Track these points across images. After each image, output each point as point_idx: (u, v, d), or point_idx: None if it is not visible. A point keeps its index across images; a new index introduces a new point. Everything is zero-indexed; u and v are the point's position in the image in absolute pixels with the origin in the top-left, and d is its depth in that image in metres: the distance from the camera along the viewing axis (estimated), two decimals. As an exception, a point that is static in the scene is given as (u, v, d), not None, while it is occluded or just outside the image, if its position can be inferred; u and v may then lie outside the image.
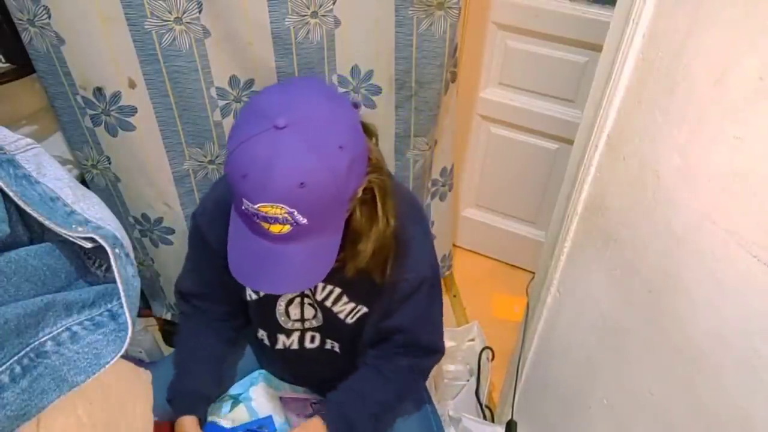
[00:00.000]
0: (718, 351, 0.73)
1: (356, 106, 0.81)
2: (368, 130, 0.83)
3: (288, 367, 1.14)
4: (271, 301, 0.99)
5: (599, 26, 1.50)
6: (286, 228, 0.72)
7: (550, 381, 1.25)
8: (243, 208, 0.72)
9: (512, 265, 2.17)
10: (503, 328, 1.77)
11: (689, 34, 0.72)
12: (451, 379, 1.63)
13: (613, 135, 0.92)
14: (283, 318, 1.02)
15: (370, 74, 1.21)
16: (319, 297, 0.97)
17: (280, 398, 1.12)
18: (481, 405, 1.58)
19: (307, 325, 1.03)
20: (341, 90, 1.23)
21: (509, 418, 1.37)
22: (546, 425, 1.30)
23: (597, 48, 1.03)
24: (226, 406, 1.10)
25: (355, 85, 1.22)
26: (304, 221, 0.72)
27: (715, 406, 0.75)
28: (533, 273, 1.29)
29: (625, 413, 0.97)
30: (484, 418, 1.57)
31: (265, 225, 0.72)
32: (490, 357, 1.67)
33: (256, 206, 0.70)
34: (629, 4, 0.82)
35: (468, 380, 1.63)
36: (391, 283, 0.92)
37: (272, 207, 0.70)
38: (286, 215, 0.71)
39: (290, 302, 1.00)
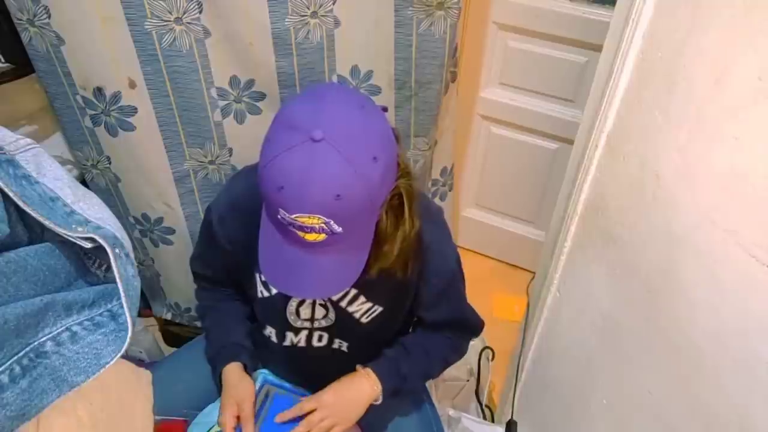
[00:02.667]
0: (716, 350, 0.73)
1: (385, 110, 0.82)
2: (394, 131, 0.84)
3: (293, 366, 1.14)
4: (282, 299, 1.00)
5: (599, 26, 1.50)
6: (321, 236, 0.73)
7: (550, 381, 1.25)
8: (279, 217, 0.73)
9: (512, 265, 2.17)
10: (503, 328, 1.77)
11: (689, 34, 0.72)
12: (451, 379, 1.63)
13: (613, 135, 0.92)
14: (292, 317, 1.02)
15: (369, 74, 1.21)
16: (334, 297, 0.98)
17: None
18: (481, 405, 1.58)
19: (316, 324, 1.03)
20: (341, 90, 1.23)
21: (509, 418, 1.38)
22: (546, 425, 1.30)
23: (597, 48, 1.03)
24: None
25: (354, 86, 1.22)
26: (339, 230, 0.73)
27: (713, 405, 0.75)
28: (533, 273, 1.29)
29: (624, 413, 0.97)
30: (484, 418, 1.57)
31: (301, 233, 0.73)
32: (490, 357, 1.67)
33: (292, 216, 0.71)
34: (629, 4, 0.82)
35: (468, 380, 1.63)
36: (420, 282, 0.96)
37: (309, 217, 0.71)
38: (322, 225, 0.72)
39: (301, 302, 1.00)
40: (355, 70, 1.20)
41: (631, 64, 0.85)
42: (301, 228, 0.72)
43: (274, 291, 0.99)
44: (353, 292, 0.97)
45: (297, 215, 0.71)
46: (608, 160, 0.94)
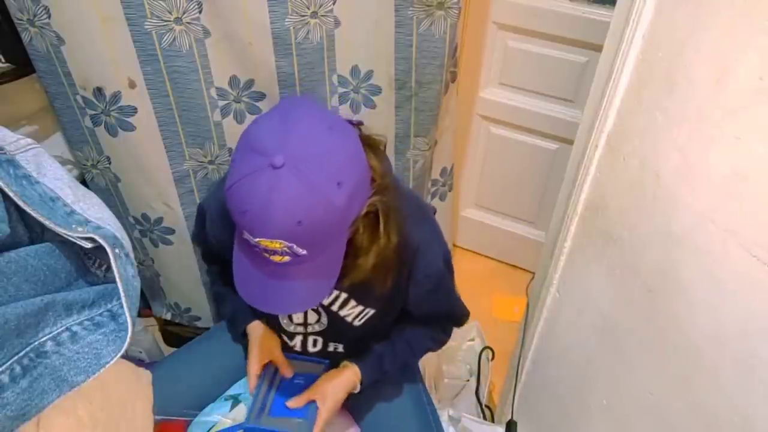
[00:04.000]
0: (716, 351, 0.73)
1: (359, 124, 0.82)
2: (373, 143, 0.82)
3: None
4: None
5: (599, 26, 1.50)
6: (286, 258, 0.74)
7: (550, 381, 1.25)
8: (244, 237, 0.74)
9: (512, 265, 2.17)
10: (503, 328, 1.77)
11: (689, 34, 0.72)
12: (451, 379, 1.63)
13: (613, 135, 0.92)
14: (285, 321, 1.02)
15: (370, 74, 1.21)
16: (325, 302, 0.98)
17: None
18: (481, 405, 1.58)
19: (309, 329, 1.03)
20: (341, 90, 1.23)
21: (509, 418, 1.37)
22: (546, 425, 1.30)
23: (597, 48, 1.03)
24: (226, 405, 1.10)
25: (355, 86, 1.22)
26: (303, 252, 0.73)
27: (713, 405, 0.75)
28: (533, 273, 1.29)
29: (624, 413, 0.97)
30: (484, 418, 1.57)
31: (266, 254, 0.74)
32: (490, 357, 1.67)
33: (256, 240, 0.71)
34: (629, 4, 0.82)
35: (468, 380, 1.63)
36: (409, 282, 0.96)
37: (272, 242, 0.71)
38: (285, 248, 0.72)
39: None
40: (355, 70, 1.20)
41: (631, 64, 0.85)
42: (266, 250, 0.73)
43: None
44: (343, 296, 0.97)
45: (259, 239, 0.71)
46: (608, 160, 0.94)
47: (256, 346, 1.04)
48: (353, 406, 1.13)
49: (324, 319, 1.01)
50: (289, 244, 0.71)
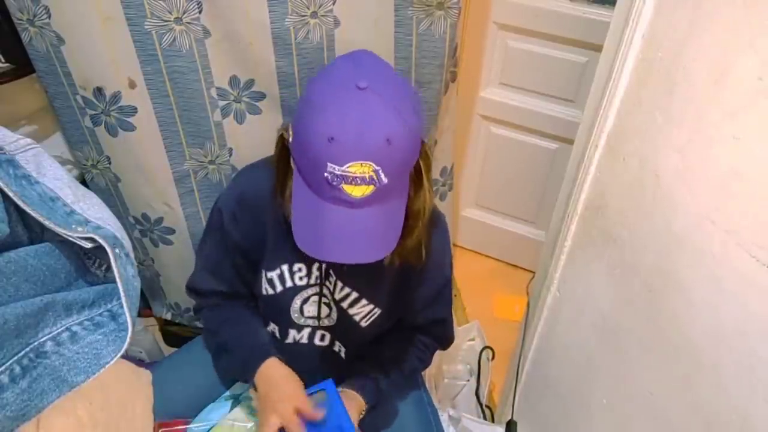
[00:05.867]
0: (716, 350, 0.73)
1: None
2: None
3: (292, 363, 1.14)
4: (287, 297, 1.00)
5: (599, 26, 1.50)
6: (370, 189, 0.74)
7: (550, 381, 1.25)
8: (326, 174, 0.73)
9: (512, 265, 2.17)
10: (503, 328, 1.77)
11: (689, 34, 0.72)
12: (451, 379, 1.63)
13: (613, 135, 0.92)
14: (296, 315, 1.02)
15: (370, 74, 1.21)
16: (337, 296, 0.98)
17: None
18: (481, 405, 1.58)
19: (321, 323, 1.03)
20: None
21: (509, 418, 1.38)
22: (546, 425, 1.30)
23: (597, 48, 1.03)
24: (226, 405, 1.09)
25: (355, 85, 1.22)
26: (386, 181, 0.74)
27: (713, 405, 0.75)
28: (533, 273, 1.29)
29: (624, 413, 0.97)
30: (484, 418, 1.57)
31: (348, 189, 0.74)
32: (490, 357, 1.67)
33: (344, 167, 0.72)
34: (629, 4, 0.82)
35: (468, 380, 1.63)
36: (416, 283, 0.97)
37: (361, 165, 0.72)
38: (372, 174, 0.73)
39: (306, 300, 1.00)
40: (355, 70, 1.20)
41: (631, 64, 0.85)
42: (352, 180, 0.73)
43: (278, 289, 1.00)
44: (355, 295, 0.98)
45: (349, 164, 0.72)
46: (608, 160, 0.94)
47: (276, 394, 0.93)
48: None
49: (334, 315, 1.01)
50: (377, 168, 0.72)
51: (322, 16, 1.09)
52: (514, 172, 1.95)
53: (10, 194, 0.48)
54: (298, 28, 1.09)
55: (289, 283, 0.99)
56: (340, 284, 0.98)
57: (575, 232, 1.07)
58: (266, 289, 1.00)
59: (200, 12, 1.04)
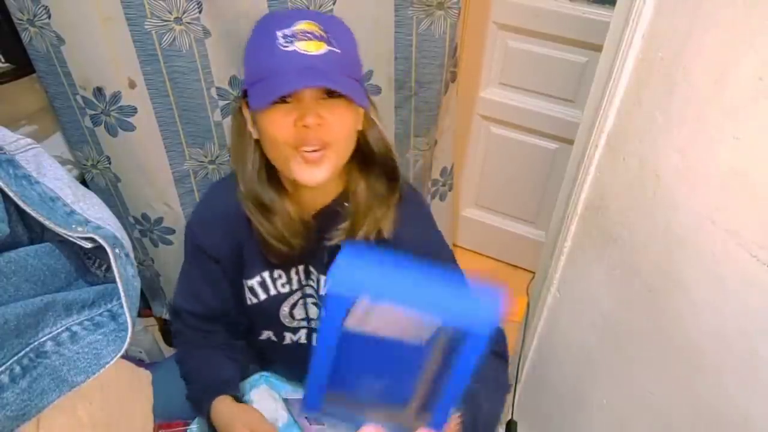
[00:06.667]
0: (717, 350, 0.73)
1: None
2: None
3: (296, 364, 1.13)
4: (273, 305, 0.99)
5: (599, 26, 1.50)
6: (323, 46, 0.77)
7: (550, 381, 1.25)
8: (278, 43, 0.76)
9: (512, 265, 2.17)
10: (503, 328, 1.77)
11: (689, 34, 0.72)
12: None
13: (613, 135, 0.92)
14: (287, 319, 1.02)
15: (369, 74, 1.21)
16: (323, 292, 0.97)
17: (285, 400, 1.12)
18: (481, 405, 1.58)
19: (313, 324, 1.03)
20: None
21: (509, 418, 1.37)
22: (546, 425, 1.30)
23: (597, 48, 1.03)
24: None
25: (355, 85, 1.22)
26: (338, 51, 0.78)
27: (714, 405, 0.75)
28: (533, 273, 1.29)
29: (624, 413, 0.97)
30: (484, 418, 1.57)
31: (302, 45, 0.76)
32: (490, 357, 1.67)
33: (291, 27, 0.77)
34: (629, 4, 0.82)
35: (468, 380, 1.62)
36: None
37: (307, 24, 0.77)
38: (321, 33, 0.77)
39: (294, 305, 1.00)
40: (355, 70, 1.20)
41: (631, 65, 0.85)
42: (302, 35, 0.76)
43: (262, 297, 0.99)
44: None
45: (296, 24, 0.77)
46: (608, 160, 0.94)
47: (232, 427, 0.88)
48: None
49: (323, 313, 1.00)
50: (323, 29, 0.78)
51: (322, 16, 1.09)
52: (514, 172, 1.95)
53: (10, 194, 0.48)
54: (298, 28, 1.09)
55: (272, 291, 0.99)
56: (323, 279, 0.96)
57: (575, 232, 1.07)
58: (250, 298, 0.99)
59: (200, 12, 1.04)
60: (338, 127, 0.80)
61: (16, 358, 0.47)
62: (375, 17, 1.12)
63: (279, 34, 0.77)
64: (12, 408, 0.45)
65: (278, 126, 0.79)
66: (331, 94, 0.80)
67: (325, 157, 0.80)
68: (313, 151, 0.79)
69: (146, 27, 1.03)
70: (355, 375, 0.45)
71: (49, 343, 0.49)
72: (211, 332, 1.04)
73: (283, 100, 0.78)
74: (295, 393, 1.16)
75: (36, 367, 0.48)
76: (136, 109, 1.13)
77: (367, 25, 1.13)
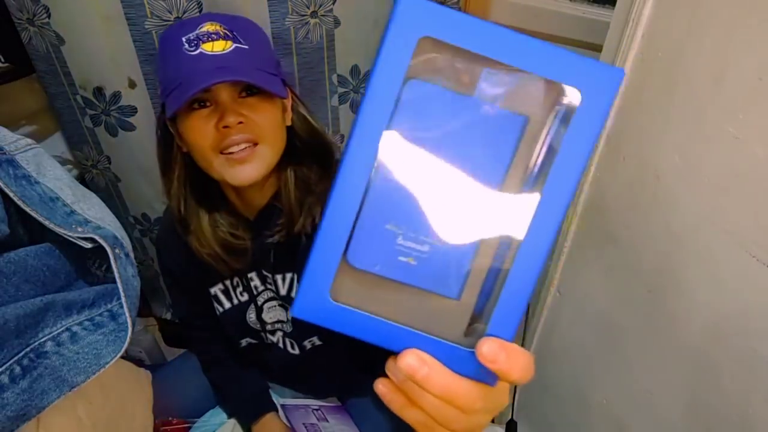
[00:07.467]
0: (717, 351, 0.73)
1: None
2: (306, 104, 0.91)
3: (286, 374, 1.12)
4: (239, 313, 0.99)
5: (599, 26, 1.50)
6: (229, 45, 0.76)
7: (550, 381, 1.25)
8: (184, 49, 0.76)
9: (512, 265, 2.17)
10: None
11: (689, 34, 0.72)
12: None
13: (613, 135, 0.92)
14: (258, 326, 1.01)
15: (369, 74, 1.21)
16: (283, 291, 0.94)
17: (282, 406, 1.12)
18: (481, 405, 1.57)
19: (286, 327, 1.00)
20: (341, 90, 1.22)
21: (509, 418, 1.37)
22: (546, 425, 1.30)
23: (597, 48, 1.03)
24: (225, 416, 1.09)
25: (354, 85, 1.22)
26: (246, 47, 0.77)
27: (713, 405, 0.75)
28: (533, 273, 1.29)
29: (624, 413, 0.97)
30: (484, 417, 1.57)
31: (207, 47, 0.75)
32: (490, 357, 1.67)
33: (196, 30, 0.76)
34: (629, 4, 0.82)
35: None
36: None
37: (212, 24, 0.78)
38: (226, 32, 0.77)
39: (260, 311, 0.99)
40: (354, 70, 1.20)
41: (631, 64, 0.85)
42: (207, 37, 0.76)
43: (227, 306, 0.99)
44: (290, 275, 0.94)
45: (200, 26, 0.76)
46: (608, 160, 0.94)
47: None
48: (352, 405, 1.13)
49: (289, 315, 0.98)
50: (228, 28, 0.78)
51: (322, 16, 1.09)
52: (514, 172, 1.95)
53: (10, 194, 0.48)
54: (298, 28, 1.09)
55: (235, 300, 0.99)
56: (279, 278, 0.94)
57: (575, 232, 1.07)
58: (217, 308, 1.00)
59: (200, 12, 1.04)
60: (262, 122, 0.78)
61: (16, 358, 0.47)
62: (375, 17, 1.12)
63: (183, 39, 0.76)
64: (12, 408, 0.45)
65: (199, 132, 0.77)
66: (249, 91, 0.79)
67: (255, 154, 0.78)
68: (240, 150, 0.77)
69: (146, 27, 1.03)
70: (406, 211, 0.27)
71: (49, 343, 0.49)
72: (216, 328, 1.05)
73: (201, 105, 0.77)
74: (294, 399, 1.16)
75: (36, 368, 0.48)
76: (136, 109, 1.13)
77: (367, 25, 1.13)
